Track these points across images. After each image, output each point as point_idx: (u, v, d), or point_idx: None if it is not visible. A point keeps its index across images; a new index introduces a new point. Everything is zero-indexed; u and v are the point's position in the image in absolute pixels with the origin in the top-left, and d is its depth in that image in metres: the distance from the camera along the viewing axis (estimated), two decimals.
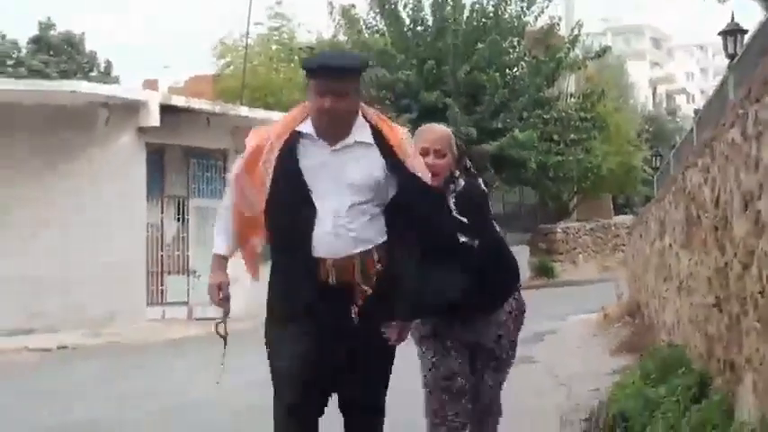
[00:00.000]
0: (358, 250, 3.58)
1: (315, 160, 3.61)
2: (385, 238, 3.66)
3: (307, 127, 3.64)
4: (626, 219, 29.59)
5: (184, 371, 10.08)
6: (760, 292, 4.64)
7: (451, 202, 4.07)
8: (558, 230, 29.90)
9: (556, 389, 8.88)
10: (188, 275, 18.45)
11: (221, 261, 3.82)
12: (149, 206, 17.70)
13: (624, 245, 23.68)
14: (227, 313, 3.84)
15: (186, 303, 18.26)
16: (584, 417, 7.30)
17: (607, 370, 9.15)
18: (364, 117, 3.71)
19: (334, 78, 3.54)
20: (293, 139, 3.63)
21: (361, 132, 3.68)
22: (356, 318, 3.56)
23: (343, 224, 3.56)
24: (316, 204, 3.57)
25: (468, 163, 4.25)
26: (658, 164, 24.35)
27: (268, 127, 3.82)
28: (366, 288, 3.58)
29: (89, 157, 16.24)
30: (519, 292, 4.41)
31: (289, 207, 3.60)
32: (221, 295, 3.75)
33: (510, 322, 4.36)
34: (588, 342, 12.34)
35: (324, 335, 3.53)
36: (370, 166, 3.63)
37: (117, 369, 11.52)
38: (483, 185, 4.35)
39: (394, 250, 3.63)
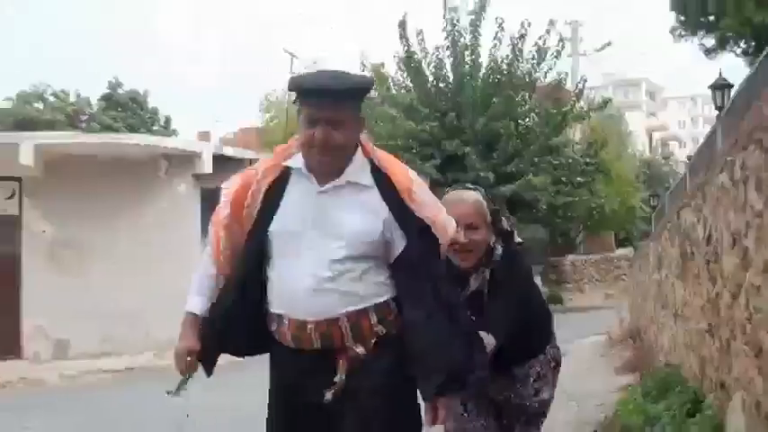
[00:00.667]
0: (345, 310, 2.67)
1: (299, 204, 2.73)
2: (387, 296, 2.74)
3: (297, 161, 2.76)
4: (626, 252, 30.03)
5: (238, 387, 10.09)
6: (748, 320, 4.59)
7: (477, 281, 3.30)
8: (567, 263, 30.54)
9: (566, 404, 8.79)
10: None
11: (193, 321, 2.84)
12: (203, 243, 18.14)
13: (625, 275, 24.01)
14: (188, 377, 2.92)
15: None
16: (593, 430, 7.24)
17: (612, 388, 9.04)
18: (365, 154, 2.79)
19: (327, 103, 2.61)
20: (282, 176, 2.78)
21: (358, 172, 2.74)
22: (330, 397, 2.69)
23: (325, 279, 2.66)
24: (295, 259, 2.70)
25: (505, 223, 3.42)
26: (655, 203, 24.51)
27: (257, 164, 2.91)
28: (359, 351, 2.69)
29: (152, 201, 16.89)
30: (556, 346, 3.69)
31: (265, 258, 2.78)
32: (189, 362, 2.83)
33: (550, 374, 3.59)
34: (595, 362, 12.18)
35: (309, 417, 2.76)
36: (365, 213, 2.70)
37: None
38: (521, 250, 3.50)
39: (405, 312, 2.74)
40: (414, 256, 2.71)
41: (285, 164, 2.78)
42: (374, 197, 2.72)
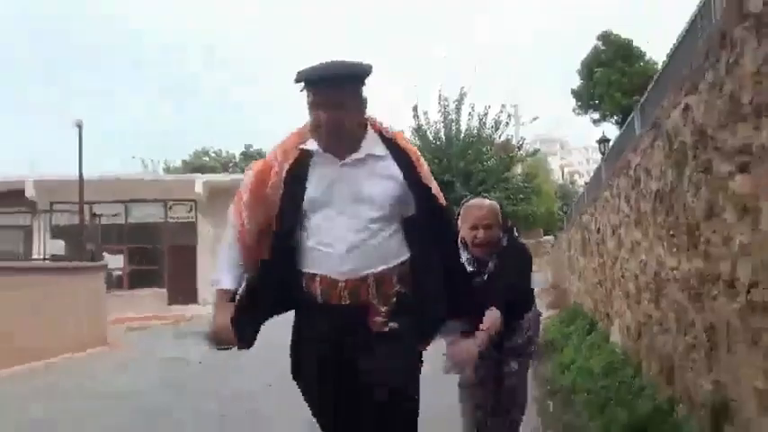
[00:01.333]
0: (374, 270, 2.57)
1: (325, 177, 2.62)
2: (406, 256, 2.63)
3: (311, 144, 2.65)
4: (549, 238, 39.17)
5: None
6: (621, 277, 6.43)
7: (493, 263, 3.52)
8: None
9: None
10: None
11: (226, 296, 2.71)
12: None
13: (548, 252, 32.48)
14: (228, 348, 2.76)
15: None
16: None
17: (543, 317, 11.00)
18: (375, 130, 2.70)
19: (326, 88, 2.54)
20: (301, 159, 2.66)
21: (373, 145, 2.64)
22: (374, 330, 2.58)
23: (359, 242, 2.56)
24: (329, 223, 2.60)
25: (509, 223, 3.76)
26: (566, 210, 32.40)
27: (275, 148, 2.78)
28: (383, 309, 2.57)
29: None
30: (535, 306, 3.98)
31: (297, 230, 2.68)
32: (230, 335, 2.66)
33: (536, 323, 3.93)
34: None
35: (341, 367, 2.61)
36: (387, 179, 2.61)
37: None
38: (521, 241, 3.86)
39: (417, 269, 2.64)
40: (423, 217, 2.64)
41: (302, 147, 2.66)
42: (391, 164, 2.62)
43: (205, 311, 19.76)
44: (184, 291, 24.65)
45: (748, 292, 2.73)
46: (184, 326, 17.47)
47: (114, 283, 22.99)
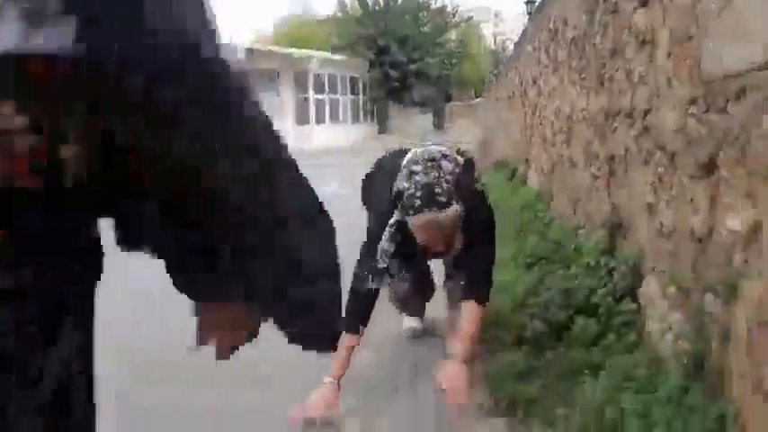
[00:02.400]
0: None
1: None
2: None
3: None
4: (480, 100, 35.75)
5: None
6: (540, 124, 6.75)
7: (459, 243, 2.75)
8: (447, 107, 40.05)
9: None
10: None
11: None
12: None
13: (478, 113, 30.20)
14: None
15: None
16: None
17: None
18: None
19: None
20: None
21: None
22: None
23: None
24: None
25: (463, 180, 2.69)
26: (496, 72, 31.09)
27: None
28: None
29: None
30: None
31: None
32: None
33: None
34: None
35: None
36: None
37: None
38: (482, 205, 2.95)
39: None
40: None
41: None
42: None
43: None
44: None
45: (643, 118, 2.84)
46: None
47: None
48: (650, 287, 2.75)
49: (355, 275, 2.75)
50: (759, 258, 1.74)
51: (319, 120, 33.10)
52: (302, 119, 32.04)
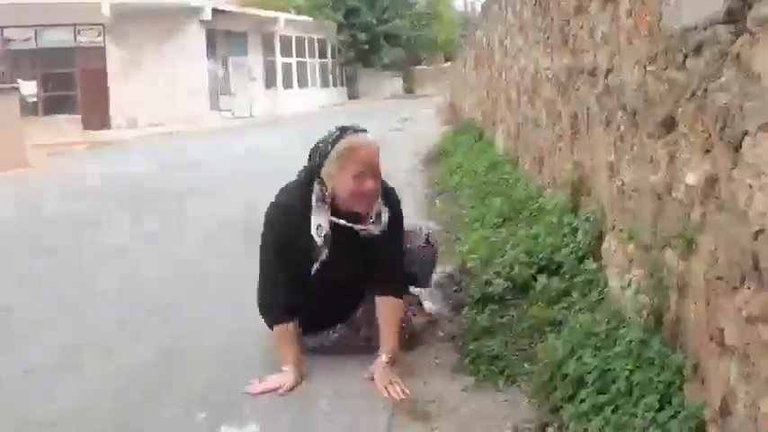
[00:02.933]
0: None
1: None
2: None
3: None
4: (450, 65, 35.52)
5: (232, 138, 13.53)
6: (505, 86, 6.72)
7: (385, 215, 2.74)
8: (416, 70, 41.74)
9: (412, 141, 11.37)
10: (230, 95, 28.13)
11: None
12: (209, 61, 26.82)
13: (447, 77, 29.46)
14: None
15: (230, 110, 27.55)
16: (425, 152, 9.56)
17: (438, 132, 11.60)
18: None
19: None
20: None
21: None
22: None
23: None
24: None
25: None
26: (465, 34, 30.95)
27: None
28: None
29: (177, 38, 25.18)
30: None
31: None
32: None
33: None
34: (430, 121, 14.98)
35: None
36: None
37: (200, 140, 16.84)
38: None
39: None
40: None
41: None
42: None
43: (118, 135, 20.17)
44: (99, 115, 23.93)
45: (605, 77, 2.83)
46: (102, 149, 17.13)
47: (30, 110, 22.05)
48: (611, 245, 2.77)
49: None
50: (716, 212, 1.74)
51: (287, 84, 32.70)
52: (270, 83, 31.64)
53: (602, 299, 2.68)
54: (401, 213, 2.85)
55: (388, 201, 2.78)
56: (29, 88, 22.05)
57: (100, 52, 24.57)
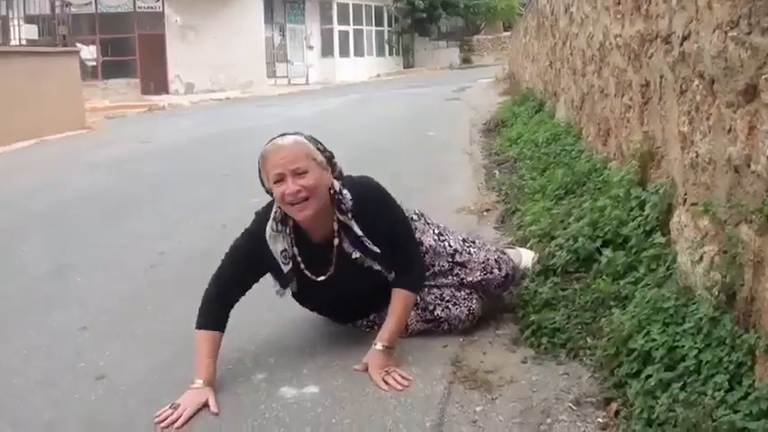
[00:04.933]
0: None
1: None
2: None
3: None
4: (509, 33, 35.02)
5: (288, 105, 13.95)
6: (570, 55, 6.52)
7: (355, 227, 2.59)
8: (474, 39, 40.83)
9: (469, 111, 11.27)
10: (286, 63, 29.36)
11: None
12: (266, 28, 27.55)
13: (507, 47, 28.52)
14: None
15: (286, 76, 28.77)
16: (483, 122, 9.46)
17: (495, 103, 11.53)
18: None
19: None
20: None
21: None
22: None
23: None
24: None
25: (339, 166, 2.67)
26: (525, 2, 29.76)
27: None
28: None
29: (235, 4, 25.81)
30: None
31: None
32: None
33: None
34: (488, 91, 14.82)
35: None
36: None
37: (259, 106, 17.26)
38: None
39: None
40: None
41: None
42: None
43: (176, 100, 20.63)
44: (156, 80, 24.44)
45: (681, 43, 2.73)
46: (159, 113, 17.49)
47: (89, 74, 22.54)
48: (681, 219, 2.70)
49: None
50: None
51: (343, 52, 32.68)
52: (326, 50, 31.69)
53: (671, 274, 2.62)
54: (381, 199, 2.68)
55: (356, 196, 2.62)
56: (88, 52, 22.57)
57: (158, 17, 24.92)
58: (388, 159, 7.37)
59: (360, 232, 2.60)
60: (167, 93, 24.11)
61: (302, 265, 2.67)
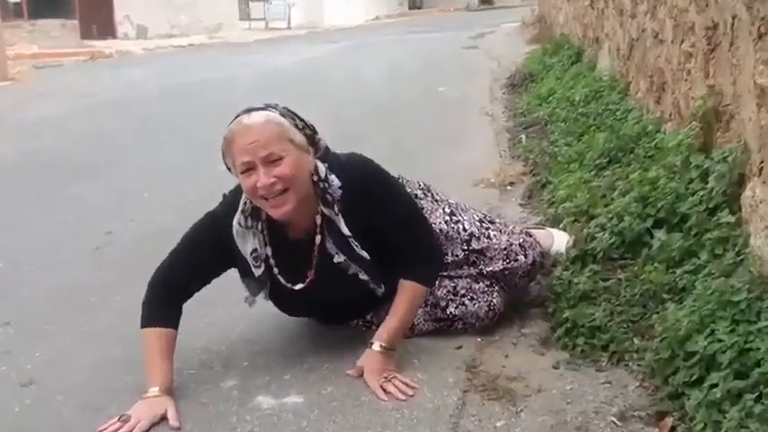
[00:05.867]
0: None
1: None
2: None
3: None
4: None
5: (265, 53, 14.31)
6: None
7: (342, 224, 2.54)
8: None
9: (490, 62, 11.26)
10: (264, 2, 29.06)
11: None
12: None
13: None
14: None
15: (263, 19, 28.62)
16: (507, 76, 9.45)
17: (522, 52, 11.63)
18: None
19: None
20: None
21: None
22: None
23: None
24: None
25: (324, 142, 2.59)
26: None
27: None
28: None
29: None
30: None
31: None
32: None
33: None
34: (512, 37, 14.86)
35: None
36: None
37: (230, 54, 17.66)
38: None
39: None
40: None
41: None
42: None
43: (126, 46, 20.59)
44: (100, 22, 24.28)
45: None
46: (104, 62, 17.34)
47: (11, 12, 22.25)
48: (757, 193, 2.68)
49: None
50: None
51: None
52: None
53: (741, 261, 2.59)
54: (376, 184, 2.60)
55: (345, 183, 2.54)
56: None
57: None
58: (387, 121, 7.38)
59: (347, 231, 2.55)
60: (114, 37, 23.98)
61: (276, 270, 2.64)
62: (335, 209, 2.53)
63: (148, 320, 2.58)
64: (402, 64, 12.85)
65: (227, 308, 3.02)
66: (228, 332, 2.92)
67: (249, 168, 2.40)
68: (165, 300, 2.61)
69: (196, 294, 2.68)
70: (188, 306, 2.66)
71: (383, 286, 2.64)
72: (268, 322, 2.96)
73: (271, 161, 2.39)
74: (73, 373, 2.70)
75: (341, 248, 2.57)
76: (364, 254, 2.57)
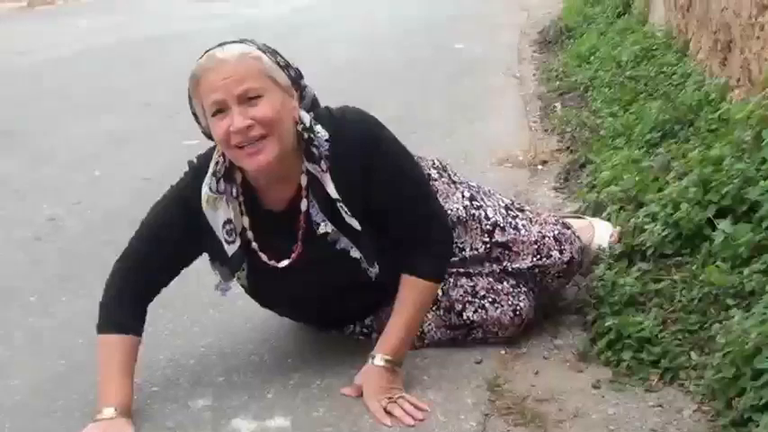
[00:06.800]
0: None
1: None
2: None
3: None
4: None
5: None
6: None
7: (329, 182, 2.49)
8: None
9: (518, 12, 11.21)
10: None
11: None
12: None
13: None
14: None
15: None
16: (539, 30, 9.43)
17: (558, 0, 11.28)
18: None
19: None
20: None
21: None
22: None
23: None
24: None
25: (311, 90, 2.62)
26: None
27: None
28: None
29: None
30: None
31: None
32: None
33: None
34: None
35: None
36: None
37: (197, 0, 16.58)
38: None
39: None
40: None
41: None
42: None
43: None
44: None
45: None
46: (44, 10, 17.28)
47: None
48: None
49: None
50: None
51: None
52: None
53: None
54: (376, 141, 2.55)
55: (335, 137, 2.52)
56: None
57: None
58: (393, 84, 7.39)
59: (334, 192, 2.50)
60: None
61: (254, 244, 2.61)
62: (322, 165, 2.49)
63: (106, 325, 2.55)
64: (411, 15, 12.78)
65: (195, 310, 3.04)
66: (198, 340, 2.93)
67: (221, 109, 2.37)
68: (125, 302, 2.58)
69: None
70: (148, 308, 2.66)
71: (376, 266, 2.60)
72: (246, 328, 2.99)
73: (247, 98, 2.36)
74: (6, 392, 2.70)
75: (328, 215, 2.53)
76: (354, 222, 2.50)
